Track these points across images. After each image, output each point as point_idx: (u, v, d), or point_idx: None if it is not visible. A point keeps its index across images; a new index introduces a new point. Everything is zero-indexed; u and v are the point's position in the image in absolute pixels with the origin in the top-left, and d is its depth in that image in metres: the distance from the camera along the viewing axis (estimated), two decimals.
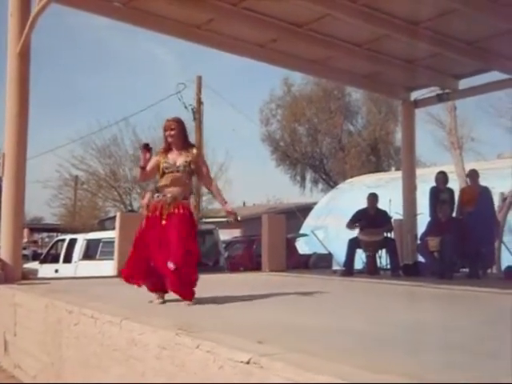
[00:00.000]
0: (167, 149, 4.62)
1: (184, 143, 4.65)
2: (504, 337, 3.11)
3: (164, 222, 4.38)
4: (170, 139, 4.58)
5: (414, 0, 7.11)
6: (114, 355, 3.45)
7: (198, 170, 4.64)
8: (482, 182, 8.82)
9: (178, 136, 4.59)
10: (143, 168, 4.63)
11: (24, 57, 6.85)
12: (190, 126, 18.21)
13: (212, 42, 8.68)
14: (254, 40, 8.81)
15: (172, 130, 4.57)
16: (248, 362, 2.33)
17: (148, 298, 4.60)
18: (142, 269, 4.41)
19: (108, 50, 63.67)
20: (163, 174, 4.53)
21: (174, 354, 2.86)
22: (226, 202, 4.79)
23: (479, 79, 9.95)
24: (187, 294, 4.33)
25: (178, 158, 4.54)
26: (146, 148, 4.62)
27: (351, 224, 8.84)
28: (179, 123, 4.66)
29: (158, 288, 4.48)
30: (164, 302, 4.42)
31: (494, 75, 9.58)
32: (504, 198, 11.95)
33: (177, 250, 4.23)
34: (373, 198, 8.95)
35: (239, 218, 4.64)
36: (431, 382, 1.98)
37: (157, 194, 4.56)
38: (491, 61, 9.03)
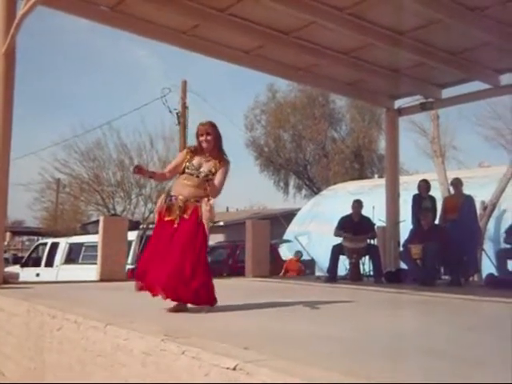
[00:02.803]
0: (197, 150, 4.38)
1: (218, 151, 4.38)
2: (485, 343, 3.16)
3: (175, 226, 4.17)
4: (205, 144, 4.33)
5: (399, 10, 7.22)
6: (98, 361, 3.42)
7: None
8: (464, 190, 8.92)
9: (215, 142, 4.35)
10: (152, 176, 4.66)
11: (9, 57, 6.80)
12: (174, 130, 18.21)
13: (197, 48, 8.70)
14: (240, 46, 8.85)
15: (208, 134, 4.33)
16: (234, 369, 2.33)
17: (132, 302, 4.57)
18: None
19: (91, 53, 63.31)
20: (182, 172, 4.33)
21: (159, 360, 2.85)
22: (210, 201, 4.24)
23: (462, 88, 10.11)
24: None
25: (204, 164, 4.31)
26: (139, 169, 4.35)
27: (339, 231, 8.85)
28: (215, 128, 4.40)
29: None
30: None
31: (477, 85, 9.73)
32: (485, 207, 12.14)
33: (174, 263, 4.04)
34: (357, 204, 8.99)
35: (210, 225, 4.21)
36: None
37: (169, 197, 4.29)
38: (474, 71, 9.18)
